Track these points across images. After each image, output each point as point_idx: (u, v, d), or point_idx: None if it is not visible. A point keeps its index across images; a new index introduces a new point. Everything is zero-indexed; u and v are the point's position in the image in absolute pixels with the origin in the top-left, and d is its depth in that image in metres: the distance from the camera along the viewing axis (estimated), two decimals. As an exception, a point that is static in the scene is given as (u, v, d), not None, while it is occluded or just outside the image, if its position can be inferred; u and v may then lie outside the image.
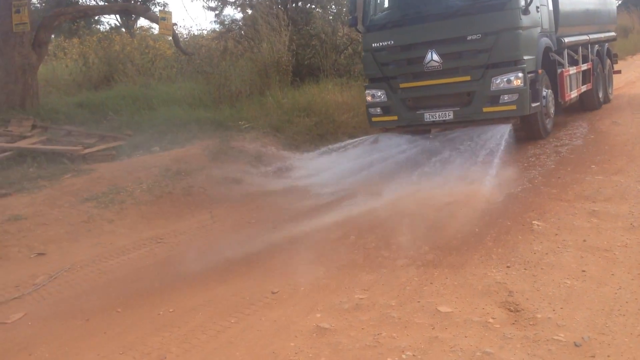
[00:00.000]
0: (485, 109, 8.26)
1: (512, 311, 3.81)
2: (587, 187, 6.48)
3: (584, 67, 11.21)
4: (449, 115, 8.51)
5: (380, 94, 9.11)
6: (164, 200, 7.50)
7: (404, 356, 3.41)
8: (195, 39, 18.27)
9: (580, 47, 11.02)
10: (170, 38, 13.15)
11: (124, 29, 22.20)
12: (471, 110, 8.35)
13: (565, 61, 10.04)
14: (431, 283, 4.40)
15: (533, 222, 5.50)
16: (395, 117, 9.06)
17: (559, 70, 9.63)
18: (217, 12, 19.04)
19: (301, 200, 7.27)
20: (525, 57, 8.17)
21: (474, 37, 8.13)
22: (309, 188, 7.83)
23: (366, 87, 9.42)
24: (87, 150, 9.03)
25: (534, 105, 8.42)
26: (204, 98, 11.92)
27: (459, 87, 8.43)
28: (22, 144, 9.10)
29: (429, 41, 8.43)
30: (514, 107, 8.09)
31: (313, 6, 17.47)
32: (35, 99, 11.07)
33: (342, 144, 9.65)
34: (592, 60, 11.80)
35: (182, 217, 7.17)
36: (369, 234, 5.70)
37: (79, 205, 7.14)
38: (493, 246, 5.00)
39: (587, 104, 12.09)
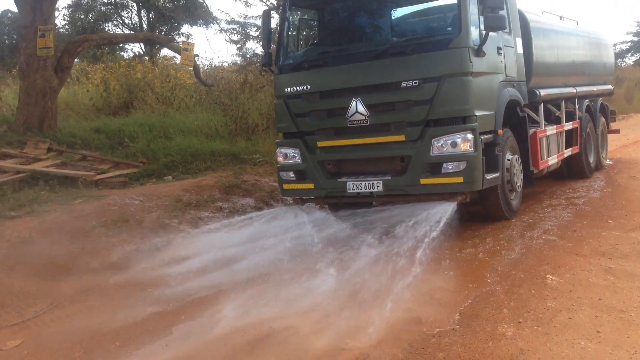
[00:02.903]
0: (423, 180, 6.44)
1: (523, 371, 3.66)
2: (604, 242, 6.31)
3: (569, 126, 9.38)
4: (377, 186, 6.64)
5: (293, 154, 7.18)
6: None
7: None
8: (216, 71, 18.49)
9: (563, 101, 9.33)
10: (191, 69, 13.31)
11: (147, 57, 22.58)
12: (406, 181, 6.53)
13: (541, 119, 8.40)
14: (440, 336, 4.26)
15: (547, 276, 5.34)
16: (312, 185, 7.09)
17: (531, 131, 7.83)
18: (239, 45, 19.34)
19: (121, 312, 5.15)
20: (478, 113, 6.38)
21: (410, 83, 6.38)
22: (155, 285, 5.79)
23: (278, 144, 7.50)
24: (99, 176, 9.05)
25: (490, 177, 6.57)
26: (221, 129, 11.99)
27: (390, 149, 6.69)
28: (36, 166, 9.15)
29: (353, 87, 6.70)
30: (460, 179, 6.29)
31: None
32: (53, 122, 11.21)
33: (249, 215, 7.82)
34: (579, 118, 9.87)
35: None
36: None
37: (87, 231, 7.11)
38: (505, 299, 4.86)
39: (574, 171, 10.09)
